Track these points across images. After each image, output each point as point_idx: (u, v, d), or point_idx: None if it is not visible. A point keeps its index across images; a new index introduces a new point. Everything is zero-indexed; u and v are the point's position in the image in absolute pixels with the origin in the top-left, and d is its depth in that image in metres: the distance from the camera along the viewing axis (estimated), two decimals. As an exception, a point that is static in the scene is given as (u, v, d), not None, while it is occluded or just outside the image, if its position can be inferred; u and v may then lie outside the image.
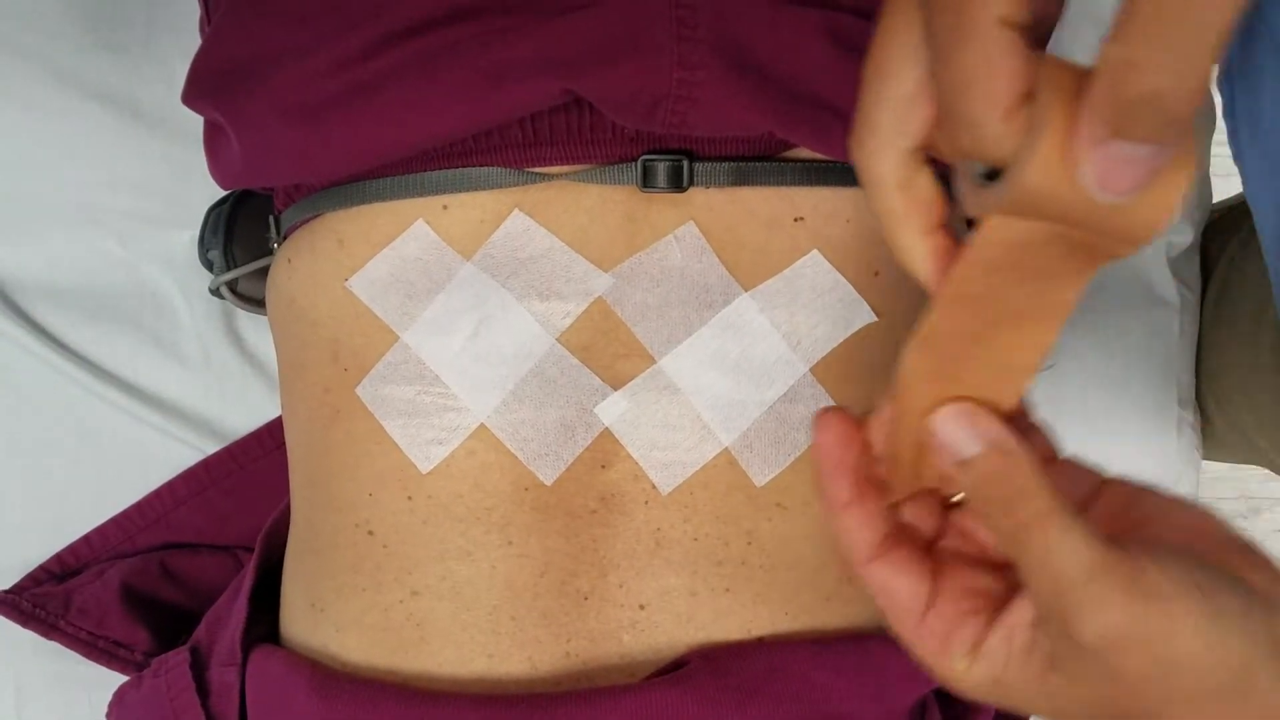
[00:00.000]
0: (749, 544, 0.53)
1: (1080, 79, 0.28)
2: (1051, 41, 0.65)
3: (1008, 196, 0.30)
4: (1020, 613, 0.34)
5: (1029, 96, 0.29)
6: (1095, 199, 0.28)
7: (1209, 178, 0.84)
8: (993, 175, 0.31)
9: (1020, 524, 0.32)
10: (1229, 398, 0.84)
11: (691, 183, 0.51)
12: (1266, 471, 0.87)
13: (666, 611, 0.52)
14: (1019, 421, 0.36)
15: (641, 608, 0.52)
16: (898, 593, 0.36)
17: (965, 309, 0.34)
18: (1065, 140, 0.28)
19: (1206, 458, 0.86)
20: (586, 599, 0.52)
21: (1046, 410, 0.79)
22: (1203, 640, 0.30)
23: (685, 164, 0.51)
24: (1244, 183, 0.67)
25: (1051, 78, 0.28)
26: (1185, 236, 0.81)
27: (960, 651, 0.35)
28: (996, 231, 0.32)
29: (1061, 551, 0.31)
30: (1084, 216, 0.30)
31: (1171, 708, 0.31)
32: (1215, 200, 0.86)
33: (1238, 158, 0.67)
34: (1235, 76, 0.68)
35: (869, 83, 0.34)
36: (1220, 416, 0.86)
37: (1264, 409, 0.79)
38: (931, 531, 0.39)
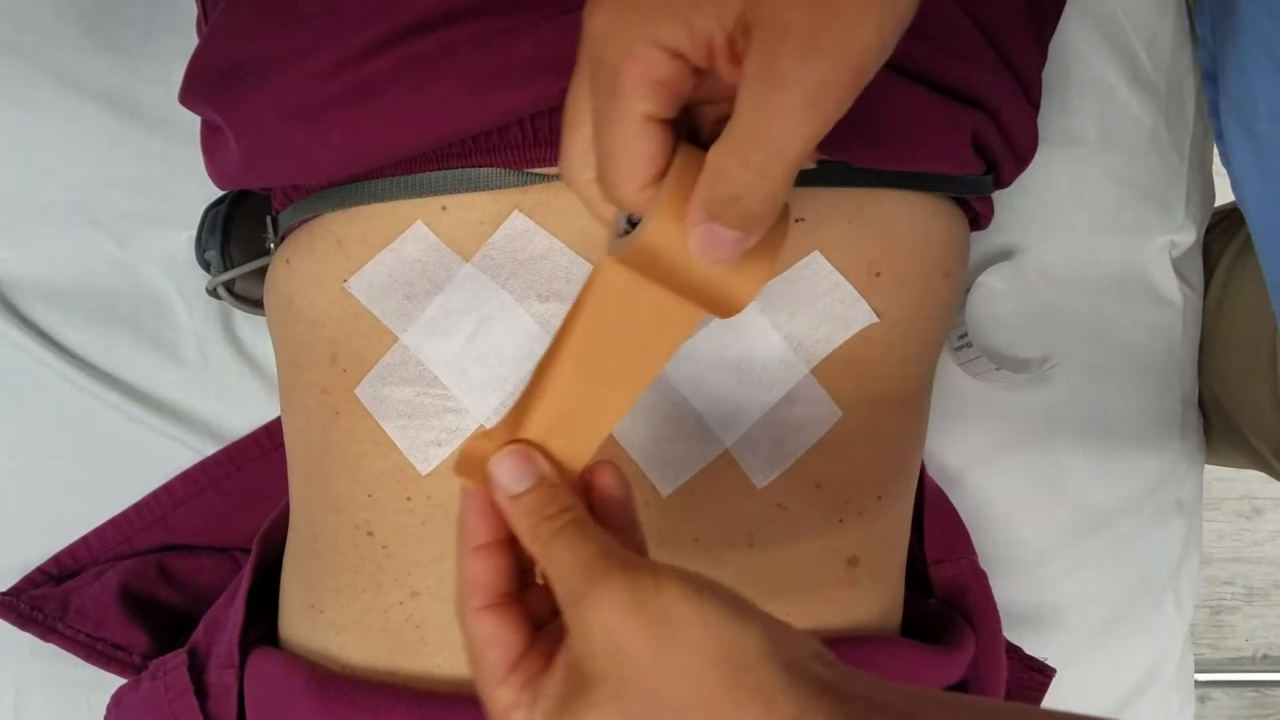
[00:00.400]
0: (750, 545, 0.53)
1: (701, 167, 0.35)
2: (1055, 36, 0.66)
3: (629, 249, 0.37)
4: (556, 661, 0.38)
5: (661, 174, 0.36)
6: (698, 263, 0.36)
7: (1211, 177, 0.84)
8: (635, 224, 0.38)
9: (552, 543, 0.37)
10: (1227, 399, 0.83)
11: None
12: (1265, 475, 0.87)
13: None
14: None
15: None
16: (501, 644, 0.38)
17: (575, 361, 0.40)
18: (678, 215, 0.35)
19: (1206, 462, 0.86)
20: None
21: (1051, 411, 0.80)
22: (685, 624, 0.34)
23: None
24: (1233, 184, 0.67)
25: (681, 163, 0.36)
26: (1188, 236, 0.81)
27: (526, 702, 0.37)
28: (611, 275, 0.39)
29: (574, 551, 0.36)
30: (685, 279, 0.37)
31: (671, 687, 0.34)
32: (1218, 202, 0.86)
33: (1226, 159, 0.67)
34: (1218, 76, 0.67)
35: (564, 125, 0.39)
36: (1218, 418, 0.85)
37: (1261, 412, 0.79)
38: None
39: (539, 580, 0.42)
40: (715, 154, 0.34)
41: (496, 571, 0.40)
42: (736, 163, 0.33)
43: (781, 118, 0.33)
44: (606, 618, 0.35)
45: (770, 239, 0.37)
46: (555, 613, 0.39)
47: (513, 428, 0.41)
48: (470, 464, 0.41)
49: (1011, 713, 0.39)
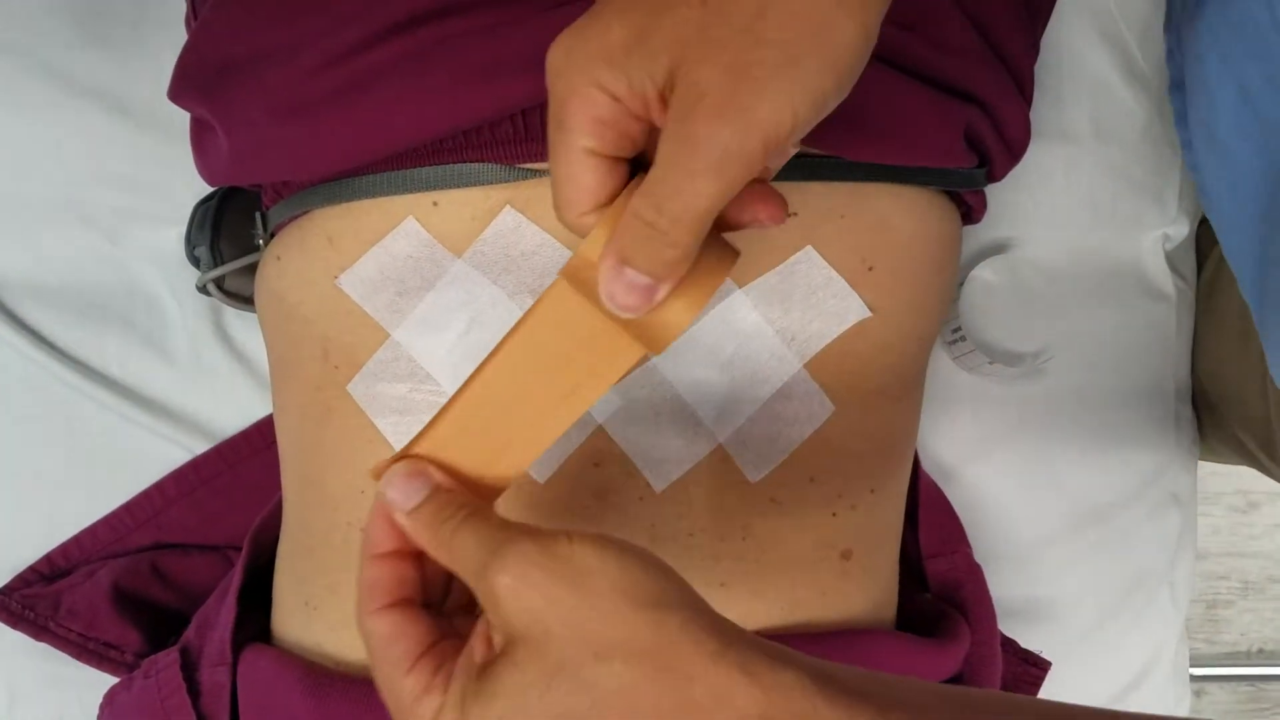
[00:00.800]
0: (744, 539, 0.53)
1: None
2: (1049, 30, 0.66)
3: (567, 269, 0.39)
4: (472, 643, 0.37)
5: (604, 204, 0.38)
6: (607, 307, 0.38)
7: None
8: None
9: (452, 541, 0.37)
10: (1216, 392, 0.84)
11: None
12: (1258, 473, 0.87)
13: None
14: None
15: None
16: (406, 636, 0.38)
17: (516, 367, 0.41)
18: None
19: (1199, 458, 0.86)
20: None
21: (1045, 405, 0.79)
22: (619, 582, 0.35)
23: None
24: (1199, 193, 0.67)
25: (624, 198, 0.37)
26: (1181, 229, 0.81)
27: (438, 689, 0.36)
28: (559, 290, 0.40)
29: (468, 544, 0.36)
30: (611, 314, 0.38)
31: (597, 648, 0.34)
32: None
33: (1194, 169, 0.67)
34: (1185, 86, 0.67)
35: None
36: (1209, 413, 0.86)
37: (1250, 405, 0.79)
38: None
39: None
40: (634, 200, 0.36)
41: (396, 576, 0.39)
42: (650, 210, 0.36)
43: (690, 177, 0.35)
44: (517, 575, 0.34)
45: (705, 276, 0.39)
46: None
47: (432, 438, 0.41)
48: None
49: (991, 701, 0.39)
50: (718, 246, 0.40)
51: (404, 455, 0.41)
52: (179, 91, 0.56)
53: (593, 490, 0.52)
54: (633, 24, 0.35)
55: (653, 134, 0.37)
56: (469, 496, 0.39)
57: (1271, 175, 0.59)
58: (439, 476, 0.40)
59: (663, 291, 0.37)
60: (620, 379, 0.42)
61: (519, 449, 0.42)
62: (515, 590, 0.34)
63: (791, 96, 0.34)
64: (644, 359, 0.49)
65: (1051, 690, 0.69)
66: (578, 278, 0.39)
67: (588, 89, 0.36)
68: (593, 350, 0.40)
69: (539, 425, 0.41)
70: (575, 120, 0.36)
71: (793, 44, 0.33)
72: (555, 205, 0.39)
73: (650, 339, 0.39)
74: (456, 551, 0.37)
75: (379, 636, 0.38)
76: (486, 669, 0.35)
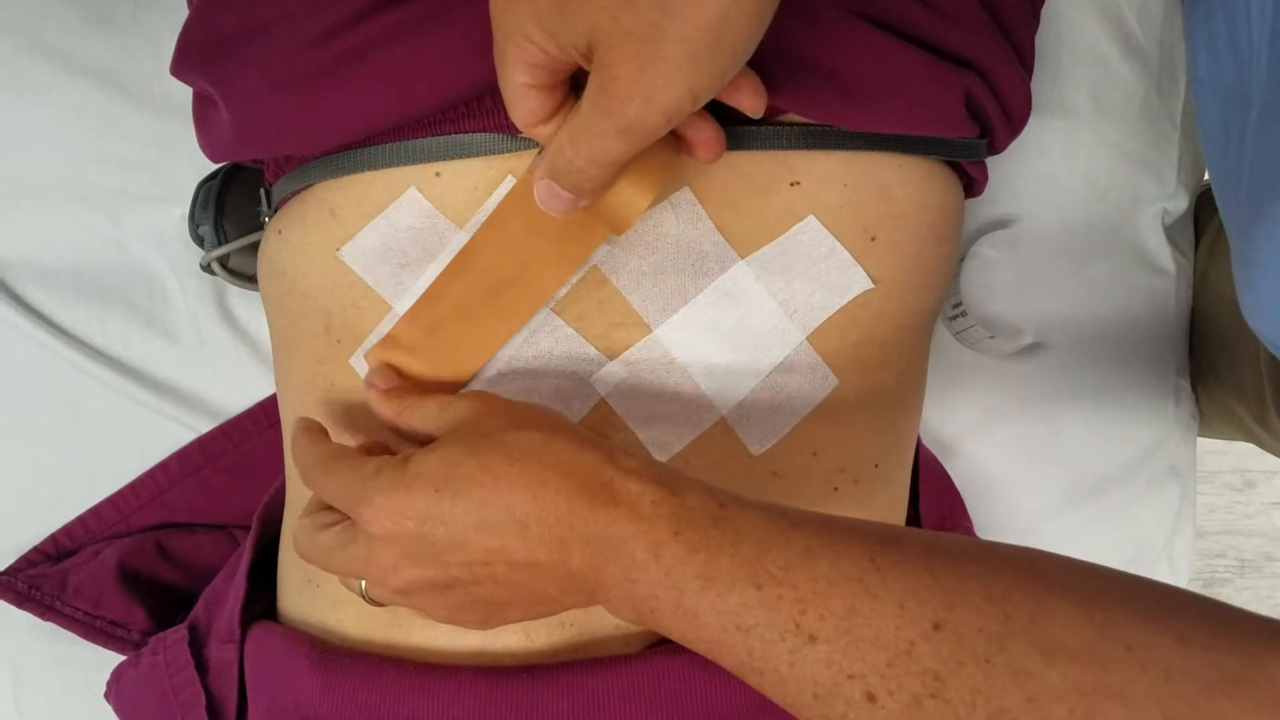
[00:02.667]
0: None
1: None
2: (1048, 3, 0.65)
3: (529, 170, 0.48)
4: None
5: (545, 120, 0.44)
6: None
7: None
8: None
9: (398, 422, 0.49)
10: (1214, 366, 0.84)
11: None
12: (1257, 448, 0.87)
13: None
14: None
15: None
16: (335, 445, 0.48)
17: (479, 259, 0.51)
18: None
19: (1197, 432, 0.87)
20: None
21: (1045, 380, 0.79)
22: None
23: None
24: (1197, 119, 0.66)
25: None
26: (1180, 203, 0.81)
27: (375, 458, 0.46)
28: (522, 185, 0.50)
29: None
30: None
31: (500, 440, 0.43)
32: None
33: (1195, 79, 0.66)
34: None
35: None
36: (1205, 386, 0.86)
37: (1245, 378, 0.80)
38: None
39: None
40: (559, 135, 0.43)
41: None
42: (569, 147, 0.43)
43: (601, 134, 0.41)
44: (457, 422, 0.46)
45: (656, 165, 0.47)
46: None
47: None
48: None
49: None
50: (667, 142, 0.46)
51: (390, 338, 0.52)
52: (181, 66, 0.55)
53: (596, 463, 0.52)
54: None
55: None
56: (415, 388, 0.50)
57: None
58: (397, 373, 0.51)
59: (583, 203, 0.46)
60: (586, 259, 0.51)
61: (503, 318, 0.51)
62: (454, 419, 0.46)
63: (691, 82, 0.39)
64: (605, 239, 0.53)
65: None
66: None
67: (520, 40, 0.41)
68: (564, 234, 0.50)
69: (520, 300, 0.51)
70: (512, 61, 0.42)
71: (693, 40, 0.38)
72: (511, 117, 0.45)
73: (613, 223, 0.48)
74: (406, 421, 0.48)
75: (320, 451, 0.48)
76: (423, 446, 0.45)
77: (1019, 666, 0.36)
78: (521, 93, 0.43)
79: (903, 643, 0.38)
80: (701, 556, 0.40)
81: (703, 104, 0.41)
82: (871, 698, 0.38)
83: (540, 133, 0.45)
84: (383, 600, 0.47)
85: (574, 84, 0.45)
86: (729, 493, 0.43)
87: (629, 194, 0.47)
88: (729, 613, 0.40)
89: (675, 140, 0.47)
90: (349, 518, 0.45)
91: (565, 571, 0.42)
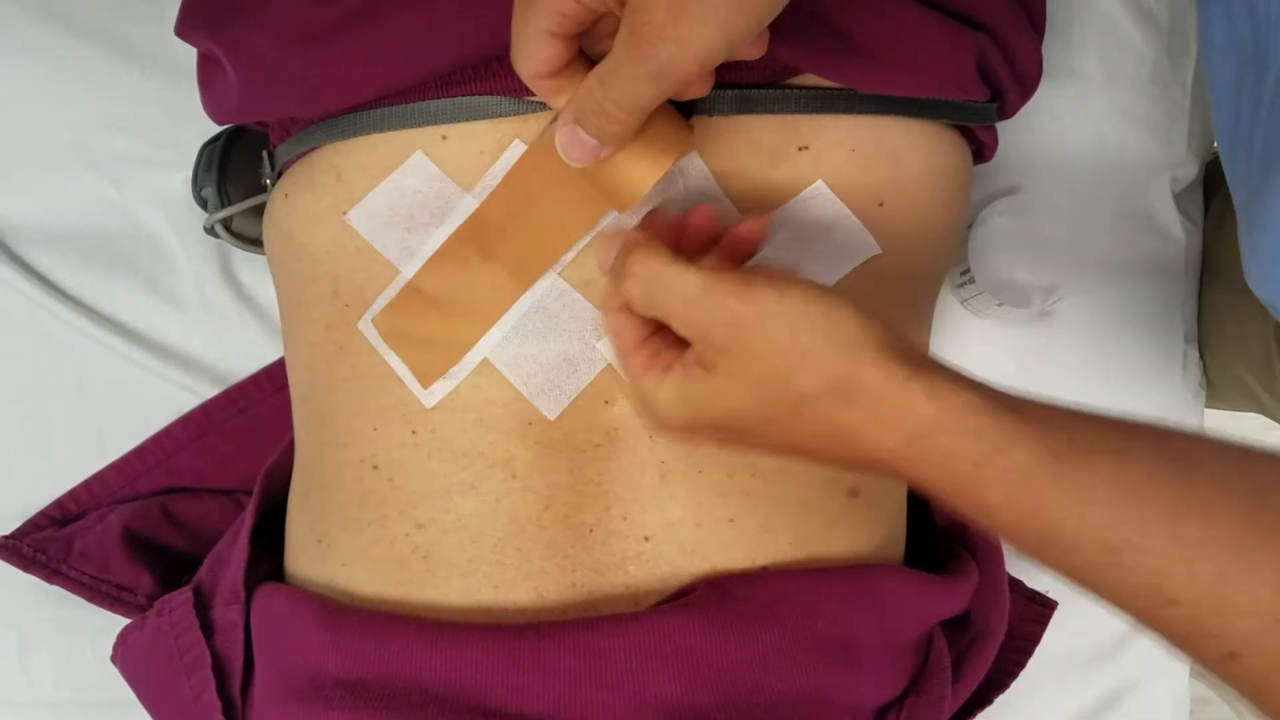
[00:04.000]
0: (753, 475, 0.53)
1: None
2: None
3: (543, 133, 0.49)
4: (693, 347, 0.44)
5: (554, 72, 0.44)
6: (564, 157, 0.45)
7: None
8: None
9: (650, 291, 0.43)
10: (1222, 333, 0.83)
11: (695, 111, 0.50)
12: (1266, 422, 0.87)
13: (671, 543, 0.52)
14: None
15: (646, 539, 0.52)
16: (625, 330, 0.46)
17: (491, 222, 0.51)
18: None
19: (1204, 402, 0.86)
20: (591, 531, 0.52)
21: (1053, 347, 0.79)
22: (801, 303, 0.41)
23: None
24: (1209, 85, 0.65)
25: (578, 70, 0.44)
26: (1190, 170, 0.81)
27: (658, 369, 0.45)
28: (537, 151, 0.50)
29: (679, 287, 0.42)
30: (587, 170, 0.47)
31: (794, 364, 0.41)
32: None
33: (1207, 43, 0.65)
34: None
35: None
36: (1212, 355, 0.85)
37: (1252, 345, 0.79)
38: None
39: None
40: (589, 79, 0.42)
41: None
42: (599, 89, 0.42)
43: (632, 77, 0.41)
44: (729, 318, 0.41)
45: (663, 146, 0.46)
46: None
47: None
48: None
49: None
50: (674, 121, 0.47)
51: (410, 288, 0.52)
52: (186, 26, 0.55)
53: (603, 429, 0.52)
54: None
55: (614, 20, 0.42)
56: (647, 254, 0.44)
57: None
58: (619, 242, 0.46)
59: (605, 152, 0.45)
60: (589, 231, 0.51)
61: (514, 279, 0.51)
62: (728, 334, 0.41)
63: (726, 26, 0.39)
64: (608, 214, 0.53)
65: (1057, 630, 0.70)
66: (549, 143, 0.48)
67: None
68: (576, 197, 0.50)
69: (530, 261, 0.51)
70: (542, 7, 0.42)
71: None
72: (514, 65, 0.44)
73: (618, 199, 0.48)
74: (657, 296, 0.43)
75: (612, 330, 0.47)
76: (703, 367, 0.43)
77: None
78: (542, 40, 0.42)
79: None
80: (1042, 520, 0.38)
81: (736, 52, 0.40)
82: (1233, 656, 0.36)
83: (546, 85, 0.44)
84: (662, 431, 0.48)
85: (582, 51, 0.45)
86: (1064, 438, 0.39)
87: (636, 169, 0.46)
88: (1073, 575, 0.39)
89: (681, 116, 0.47)
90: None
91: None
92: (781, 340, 0.41)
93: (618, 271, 0.44)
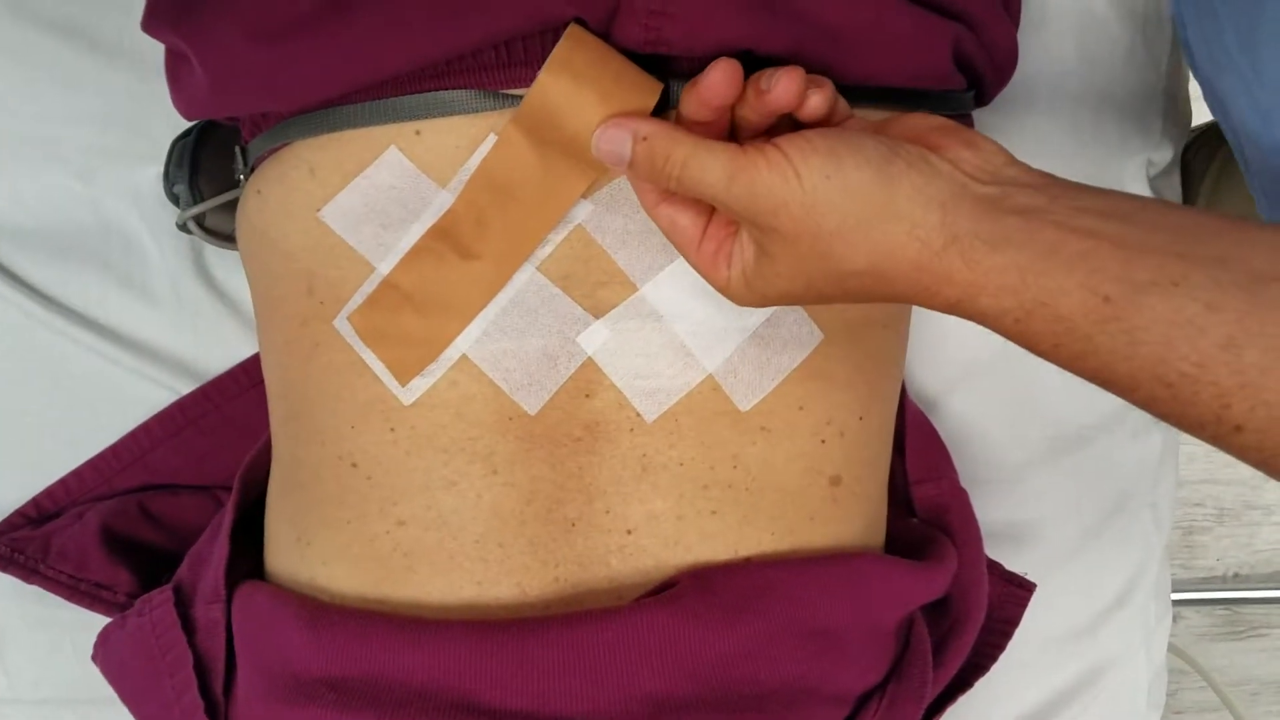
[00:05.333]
0: (734, 467, 0.53)
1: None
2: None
3: (523, 104, 0.48)
4: (743, 228, 0.46)
5: None
6: (579, 118, 0.47)
7: (1188, 94, 0.83)
8: None
9: (681, 176, 0.43)
10: None
11: (672, 105, 0.50)
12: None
13: (654, 535, 0.52)
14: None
15: (629, 532, 0.52)
16: (682, 224, 0.47)
17: (467, 213, 0.51)
18: (571, 74, 0.47)
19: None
20: (574, 525, 0.52)
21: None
22: (828, 181, 0.41)
23: (667, 85, 0.50)
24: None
25: (574, 34, 0.47)
26: (1165, 154, 0.81)
27: (723, 262, 0.46)
28: (510, 135, 0.49)
29: (706, 172, 0.42)
30: (568, 135, 0.48)
31: (832, 242, 0.41)
32: (1196, 120, 0.86)
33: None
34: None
35: None
36: None
37: None
38: None
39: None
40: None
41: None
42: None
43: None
44: (761, 193, 0.42)
45: (640, 107, 0.47)
46: None
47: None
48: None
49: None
50: (651, 87, 0.48)
51: (386, 284, 0.51)
52: (153, 22, 0.54)
53: (584, 422, 0.52)
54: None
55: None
56: (675, 135, 0.44)
57: None
58: (643, 127, 0.45)
59: (626, 172, 0.46)
60: (570, 208, 0.51)
61: (494, 269, 0.51)
62: (764, 214, 0.42)
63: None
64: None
65: (1035, 611, 0.70)
66: (533, 112, 0.48)
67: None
68: (551, 183, 0.50)
69: (509, 252, 0.51)
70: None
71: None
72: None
73: (604, 168, 0.48)
74: (688, 183, 0.43)
75: (668, 226, 0.48)
76: (756, 254, 0.44)
77: None
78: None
79: None
80: (1092, 363, 0.39)
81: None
82: None
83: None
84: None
85: None
86: (1118, 274, 0.38)
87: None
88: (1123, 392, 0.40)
89: (659, 85, 0.48)
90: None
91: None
92: (815, 223, 0.41)
93: (642, 164, 0.45)
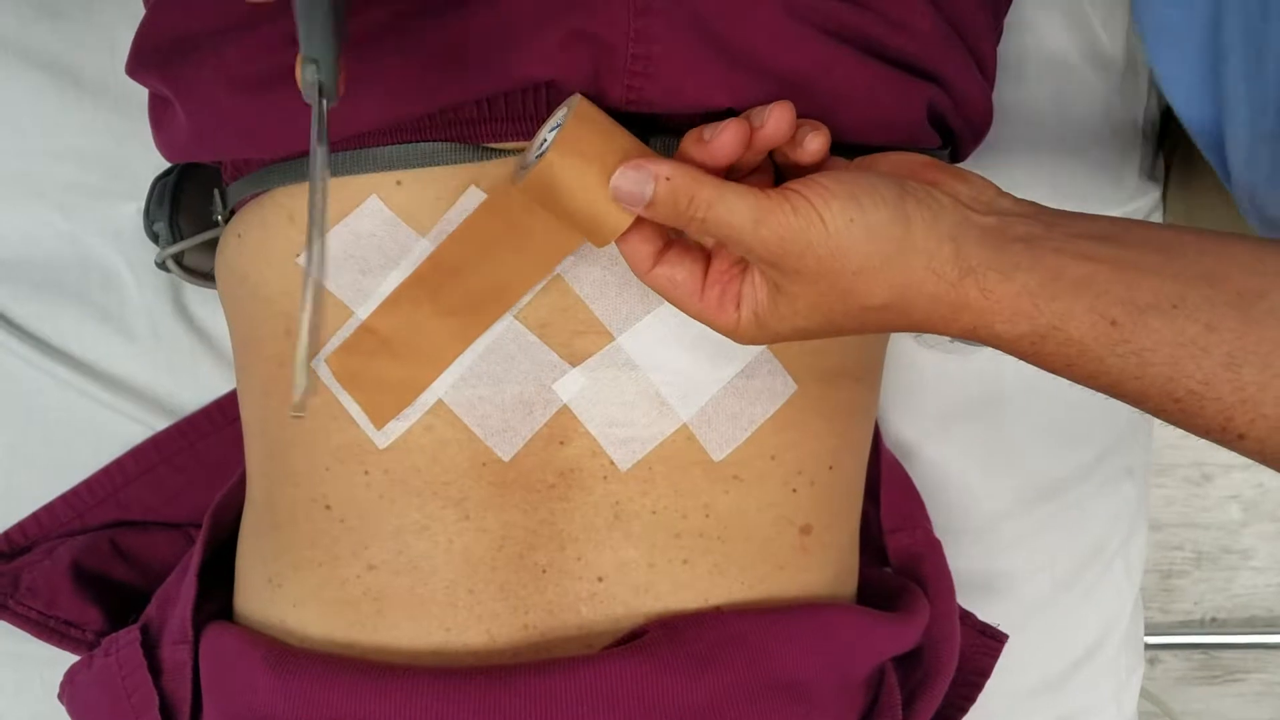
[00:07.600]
0: (706, 516, 0.53)
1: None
2: (1013, 9, 0.66)
3: (530, 174, 0.46)
4: (753, 269, 0.46)
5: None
6: (582, 195, 0.45)
7: (1160, 146, 0.84)
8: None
9: (706, 217, 0.43)
10: None
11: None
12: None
13: (624, 583, 0.52)
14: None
15: (600, 580, 0.52)
16: (681, 279, 0.46)
17: (450, 263, 0.51)
18: (576, 152, 0.45)
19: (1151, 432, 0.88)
20: (545, 572, 0.52)
21: (1004, 382, 0.79)
22: (852, 224, 0.41)
23: (646, 141, 0.50)
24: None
25: (581, 111, 0.46)
26: (1141, 204, 0.82)
27: (731, 304, 0.46)
28: (499, 194, 0.50)
29: (734, 214, 0.42)
30: (569, 208, 0.46)
31: (855, 281, 0.42)
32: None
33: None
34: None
35: None
36: None
37: None
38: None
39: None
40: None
41: (648, 240, 0.47)
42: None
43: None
44: (783, 237, 0.42)
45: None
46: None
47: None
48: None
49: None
50: (648, 152, 0.47)
51: (364, 329, 0.51)
52: (137, 67, 0.55)
53: (558, 469, 0.52)
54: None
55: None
56: (699, 176, 0.44)
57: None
58: (664, 169, 0.44)
59: (636, 214, 0.45)
60: (555, 267, 0.51)
61: (471, 320, 0.51)
62: (788, 256, 0.42)
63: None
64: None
65: (1008, 662, 0.71)
66: (538, 183, 0.46)
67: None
68: (537, 242, 0.50)
69: (488, 303, 0.51)
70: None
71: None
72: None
73: (597, 236, 0.47)
74: (712, 224, 0.43)
75: (665, 286, 0.47)
76: (769, 287, 0.45)
77: None
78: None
79: None
80: (1104, 381, 0.42)
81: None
82: None
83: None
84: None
85: None
86: (1122, 296, 0.40)
87: (615, 206, 0.46)
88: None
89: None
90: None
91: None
92: (839, 265, 0.42)
93: (664, 204, 0.44)
